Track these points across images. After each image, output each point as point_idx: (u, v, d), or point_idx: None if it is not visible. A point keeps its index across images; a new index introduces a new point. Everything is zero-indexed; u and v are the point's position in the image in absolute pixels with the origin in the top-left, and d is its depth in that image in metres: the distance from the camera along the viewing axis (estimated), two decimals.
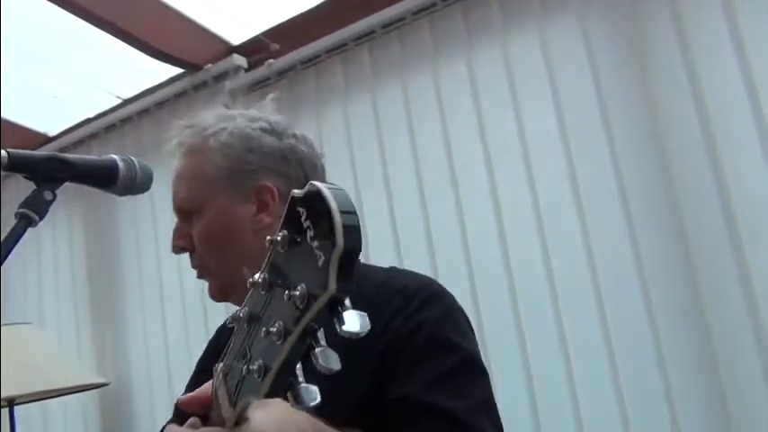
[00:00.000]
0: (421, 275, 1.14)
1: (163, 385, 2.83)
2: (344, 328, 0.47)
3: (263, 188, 1.16)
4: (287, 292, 0.49)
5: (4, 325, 2.54)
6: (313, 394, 0.51)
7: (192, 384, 1.24)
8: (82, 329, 3.11)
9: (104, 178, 1.05)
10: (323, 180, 1.24)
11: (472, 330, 1.10)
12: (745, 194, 1.95)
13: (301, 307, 0.47)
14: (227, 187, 1.16)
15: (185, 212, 1.20)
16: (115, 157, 1.07)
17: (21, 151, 0.95)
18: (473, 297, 2.26)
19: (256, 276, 0.54)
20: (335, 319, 0.47)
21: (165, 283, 2.89)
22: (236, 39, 2.85)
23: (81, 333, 3.11)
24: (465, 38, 2.41)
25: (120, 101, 3.15)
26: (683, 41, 2.08)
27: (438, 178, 2.40)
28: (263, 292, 0.54)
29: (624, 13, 2.19)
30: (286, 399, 0.52)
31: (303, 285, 0.47)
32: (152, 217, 2.96)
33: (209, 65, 2.85)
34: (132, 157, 1.09)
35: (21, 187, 3.20)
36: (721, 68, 2.02)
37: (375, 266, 1.20)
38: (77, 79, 3.03)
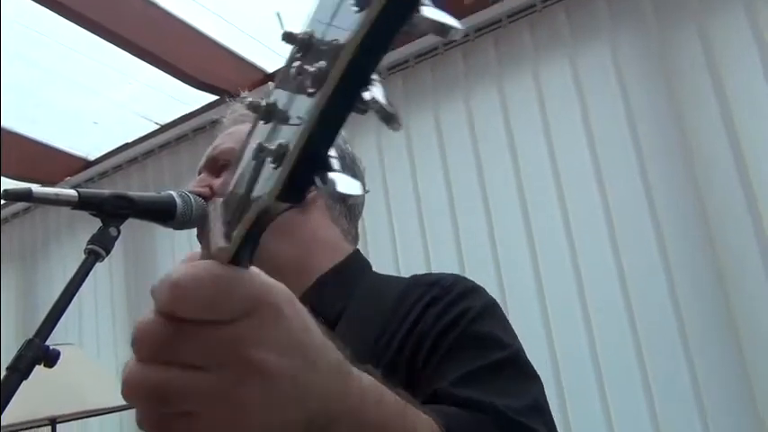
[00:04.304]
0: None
1: None
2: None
3: None
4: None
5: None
6: (352, 185, 0.37)
7: None
8: (120, 350, 3.18)
9: (163, 214, 1.07)
10: (359, 211, 1.22)
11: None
12: None
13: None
14: None
15: (216, 163, 1.15)
16: (173, 192, 1.08)
17: (89, 190, 1.01)
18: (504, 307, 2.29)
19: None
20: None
21: None
22: (271, 67, 2.92)
23: (119, 353, 3.17)
24: (496, 67, 2.47)
25: (157, 126, 3.24)
26: (711, 64, 2.12)
27: (470, 202, 2.45)
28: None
29: (653, 38, 2.23)
30: (313, 183, 0.38)
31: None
32: (190, 238, 3.01)
33: (246, 92, 2.91)
34: (188, 192, 1.10)
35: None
36: (750, 90, 2.05)
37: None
38: (116, 106, 3.12)
